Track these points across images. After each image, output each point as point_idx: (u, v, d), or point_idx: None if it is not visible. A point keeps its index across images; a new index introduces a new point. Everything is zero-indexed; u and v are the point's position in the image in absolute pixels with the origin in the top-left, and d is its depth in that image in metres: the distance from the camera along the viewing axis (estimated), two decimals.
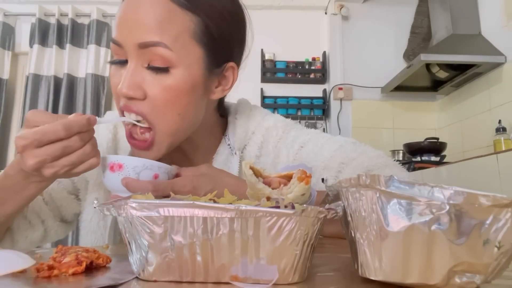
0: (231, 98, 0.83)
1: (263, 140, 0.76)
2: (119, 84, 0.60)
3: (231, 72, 0.68)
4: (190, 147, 0.73)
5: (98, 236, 0.72)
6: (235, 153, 0.73)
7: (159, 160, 0.64)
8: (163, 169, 0.58)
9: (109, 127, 0.77)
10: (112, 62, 0.63)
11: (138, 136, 0.62)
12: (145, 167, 0.56)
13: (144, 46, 0.58)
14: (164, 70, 0.59)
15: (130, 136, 0.63)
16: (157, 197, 0.54)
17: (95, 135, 0.75)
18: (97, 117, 0.55)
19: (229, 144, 0.75)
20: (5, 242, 0.68)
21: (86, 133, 0.54)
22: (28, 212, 0.70)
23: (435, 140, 2.56)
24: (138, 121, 0.62)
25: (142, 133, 0.62)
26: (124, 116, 0.62)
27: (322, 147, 0.73)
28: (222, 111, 0.80)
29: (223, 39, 0.64)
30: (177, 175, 0.61)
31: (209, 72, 0.64)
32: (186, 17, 0.59)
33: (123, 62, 0.61)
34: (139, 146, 0.62)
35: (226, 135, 0.76)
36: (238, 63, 0.70)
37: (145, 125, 0.61)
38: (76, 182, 0.75)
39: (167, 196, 0.55)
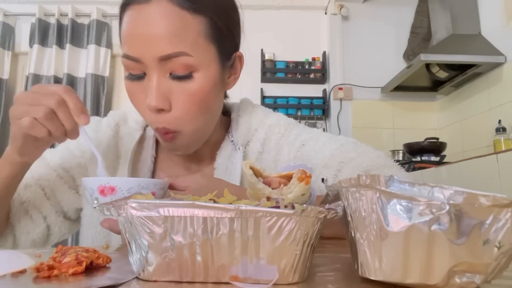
0: (232, 98, 0.84)
1: (266, 137, 0.78)
2: (141, 98, 0.62)
3: (238, 60, 0.72)
4: None
5: (99, 230, 0.73)
6: (239, 148, 0.75)
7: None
8: (159, 185, 0.55)
9: (110, 125, 0.78)
10: (130, 78, 0.63)
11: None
12: (141, 187, 0.52)
13: (166, 58, 0.59)
14: (187, 76, 0.60)
15: (158, 130, 0.64)
16: None
17: (96, 132, 0.76)
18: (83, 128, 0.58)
19: (232, 141, 0.77)
20: (7, 239, 0.68)
21: (65, 111, 0.54)
22: (30, 207, 0.70)
23: (435, 140, 2.56)
24: None
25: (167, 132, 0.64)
26: (156, 127, 0.64)
27: (323, 146, 0.74)
28: (225, 110, 0.82)
29: (229, 32, 0.66)
30: (170, 186, 0.59)
31: (222, 66, 0.66)
32: (197, 20, 0.60)
33: (142, 77, 0.62)
34: (167, 138, 0.64)
35: (229, 132, 0.78)
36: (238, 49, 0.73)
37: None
38: (76, 179, 0.75)
39: None
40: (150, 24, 0.58)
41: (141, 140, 0.78)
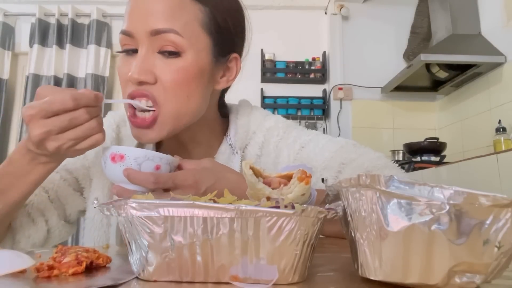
0: (232, 99, 0.84)
1: (264, 140, 0.77)
2: (126, 71, 0.62)
3: (234, 63, 0.72)
4: (191, 142, 0.74)
5: (101, 233, 0.73)
6: (236, 152, 0.75)
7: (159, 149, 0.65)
8: (165, 160, 0.58)
9: (112, 126, 0.78)
10: (122, 52, 0.65)
11: (141, 115, 0.63)
12: (147, 158, 0.56)
13: (155, 33, 0.61)
14: (174, 54, 0.62)
15: (133, 116, 0.63)
16: (158, 189, 0.54)
17: None
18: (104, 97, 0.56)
19: (230, 144, 0.76)
20: (6, 241, 0.67)
21: (93, 108, 0.54)
22: (33, 210, 0.70)
23: (435, 140, 2.55)
24: (149, 107, 0.63)
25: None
26: (133, 91, 0.63)
27: (323, 148, 0.74)
28: (224, 112, 0.81)
29: (227, 30, 0.68)
30: (179, 167, 0.60)
31: (215, 60, 0.67)
32: (196, 6, 0.63)
33: (134, 51, 0.64)
34: (140, 125, 0.63)
35: (227, 135, 0.78)
36: (240, 55, 0.73)
37: (153, 109, 0.63)
38: (80, 180, 0.75)
39: (167, 190, 0.55)
40: (148, 1, 0.62)
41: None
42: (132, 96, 0.63)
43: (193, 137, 0.73)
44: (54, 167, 0.60)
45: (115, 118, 0.80)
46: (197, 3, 0.63)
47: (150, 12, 0.61)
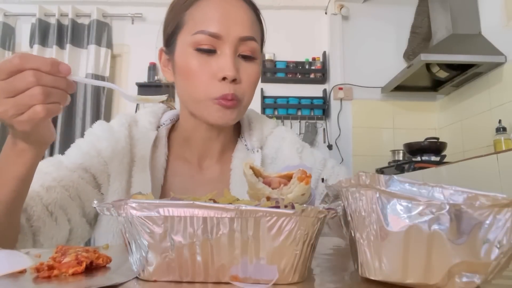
0: None
1: (279, 146, 0.85)
2: (208, 70, 0.70)
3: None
4: (216, 138, 0.81)
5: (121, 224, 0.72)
6: (257, 151, 0.82)
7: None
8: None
9: (124, 125, 0.80)
10: (200, 51, 0.71)
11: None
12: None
13: (244, 39, 0.71)
14: (252, 58, 0.73)
15: (223, 98, 0.70)
16: None
17: (112, 133, 0.76)
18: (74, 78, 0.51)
19: (246, 145, 0.84)
20: (26, 244, 0.65)
21: (46, 76, 0.48)
22: (55, 208, 0.68)
23: (435, 140, 2.55)
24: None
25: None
26: (226, 93, 0.69)
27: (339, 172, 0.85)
28: None
29: (263, 36, 0.83)
30: None
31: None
32: (258, 20, 0.78)
33: (213, 51, 0.71)
34: (228, 105, 0.71)
35: (242, 137, 0.86)
36: None
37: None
38: (98, 177, 0.75)
39: None
40: (236, 12, 0.72)
41: (155, 139, 0.81)
42: (226, 99, 0.70)
43: (219, 133, 0.79)
44: (34, 158, 0.56)
45: (127, 119, 0.82)
46: (258, 19, 0.78)
47: (240, 21, 0.71)
